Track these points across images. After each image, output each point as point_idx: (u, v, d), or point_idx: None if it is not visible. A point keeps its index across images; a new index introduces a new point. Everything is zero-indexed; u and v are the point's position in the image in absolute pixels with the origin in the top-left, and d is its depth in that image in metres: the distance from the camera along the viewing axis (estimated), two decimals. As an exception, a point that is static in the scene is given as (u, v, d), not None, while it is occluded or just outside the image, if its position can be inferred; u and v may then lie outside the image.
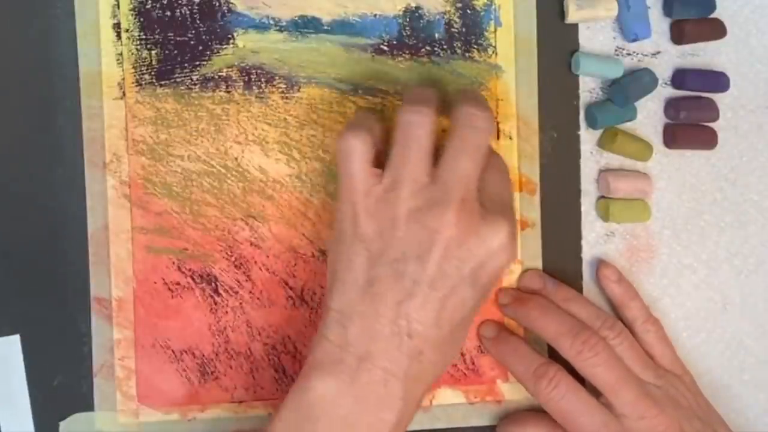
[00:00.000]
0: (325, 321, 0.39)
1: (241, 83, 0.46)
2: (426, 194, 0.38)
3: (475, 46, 0.47)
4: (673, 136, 0.49)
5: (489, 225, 0.38)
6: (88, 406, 0.45)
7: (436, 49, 0.47)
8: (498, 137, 0.47)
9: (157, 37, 0.45)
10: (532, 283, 0.47)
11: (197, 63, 0.45)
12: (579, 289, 0.49)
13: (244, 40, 0.46)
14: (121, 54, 0.45)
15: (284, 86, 0.46)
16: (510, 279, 0.48)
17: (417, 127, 0.39)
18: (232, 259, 0.46)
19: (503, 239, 0.38)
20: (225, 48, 0.45)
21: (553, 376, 0.43)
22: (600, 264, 0.48)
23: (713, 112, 0.49)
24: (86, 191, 0.45)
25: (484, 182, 0.40)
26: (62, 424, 0.45)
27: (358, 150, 0.39)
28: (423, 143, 0.39)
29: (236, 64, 0.46)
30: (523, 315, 0.46)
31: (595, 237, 0.49)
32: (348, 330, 0.38)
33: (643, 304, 0.47)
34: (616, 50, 0.49)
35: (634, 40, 0.48)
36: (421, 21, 0.47)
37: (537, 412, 0.46)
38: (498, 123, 0.47)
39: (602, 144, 0.49)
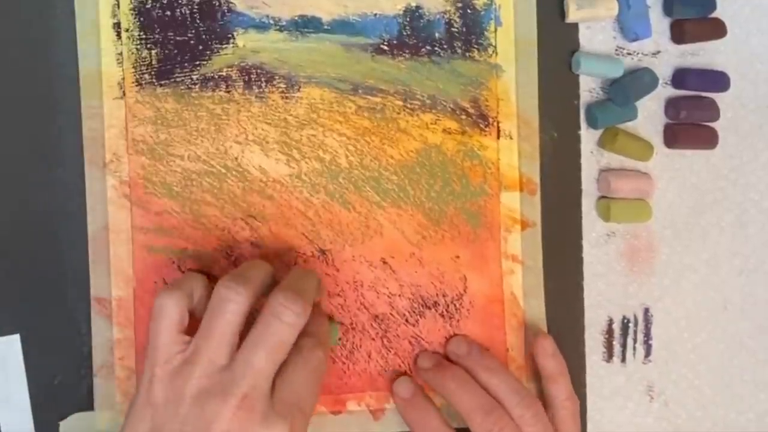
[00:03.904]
0: None
1: (241, 83, 0.46)
2: (216, 378, 0.37)
3: (476, 46, 0.47)
4: (674, 136, 0.49)
5: (266, 427, 0.36)
6: (88, 406, 0.45)
7: (436, 48, 0.47)
8: (498, 137, 0.47)
9: (157, 36, 0.45)
10: (458, 348, 0.47)
11: (197, 63, 0.45)
12: (579, 288, 0.49)
13: (244, 40, 0.46)
14: (121, 54, 0.45)
15: (284, 86, 0.46)
16: (509, 279, 0.48)
17: (227, 305, 0.37)
18: (232, 258, 0.46)
19: None
20: (225, 48, 0.45)
21: (500, 417, 0.43)
22: (538, 335, 0.47)
23: (714, 111, 0.49)
24: (86, 191, 0.45)
25: (284, 377, 0.38)
26: (62, 424, 0.45)
27: (169, 313, 0.38)
28: (230, 323, 0.37)
29: (236, 63, 0.46)
30: (440, 384, 0.45)
31: (596, 237, 0.49)
32: None
33: (569, 381, 0.47)
34: (616, 50, 0.49)
35: (635, 40, 0.48)
36: (422, 21, 0.47)
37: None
38: (498, 123, 0.47)
39: (603, 144, 0.49)
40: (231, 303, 0.37)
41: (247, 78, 0.46)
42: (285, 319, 0.37)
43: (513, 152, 0.48)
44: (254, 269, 0.40)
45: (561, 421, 0.45)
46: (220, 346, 0.37)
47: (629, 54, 0.49)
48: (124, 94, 0.45)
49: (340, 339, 0.47)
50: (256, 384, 0.37)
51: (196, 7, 0.45)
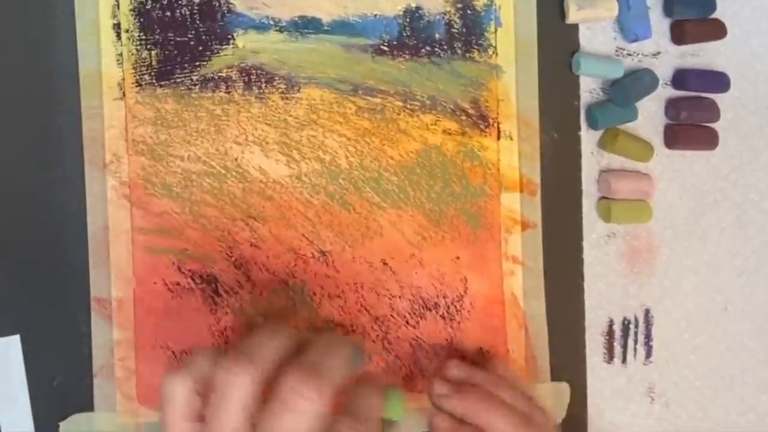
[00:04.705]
0: None
1: (241, 84, 0.46)
2: None
3: (476, 47, 0.47)
4: (674, 137, 0.49)
5: None
6: (88, 406, 0.45)
7: (436, 49, 0.47)
8: (498, 138, 0.47)
9: (157, 37, 0.45)
10: (459, 374, 0.45)
11: (197, 63, 0.45)
12: (579, 289, 0.49)
13: (244, 41, 0.46)
14: (121, 54, 0.45)
15: (284, 86, 0.46)
16: (510, 280, 0.48)
17: (230, 392, 0.33)
18: (232, 259, 0.46)
19: None
20: (225, 48, 0.45)
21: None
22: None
23: (714, 112, 0.49)
24: (86, 191, 0.45)
25: None
26: (62, 424, 0.45)
27: (174, 399, 0.34)
28: (236, 410, 0.33)
29: (236, 64, 0.46)
30: (467, 408, 0.42)
31: (596, 238, 0.49)
32: None
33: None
34: (616, 50, 0.49)
35: (635, 41, 0.48)
36: (422, 21, 0.47)
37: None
38: (499, 123, 0.47)
39: (603, 144, 0.49)
40: (234, 388, 0.33)
41: (247, 79, 0.46)
42: (297, 408, 0.32)
43: (513, 153, 0.48)
44: (261, 340, 0.35)
45: None
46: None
47: (629, 55, 0.49)
48: (124, 94, 0.45)
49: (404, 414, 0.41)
50: None
51: (196, 7, 0.45)
